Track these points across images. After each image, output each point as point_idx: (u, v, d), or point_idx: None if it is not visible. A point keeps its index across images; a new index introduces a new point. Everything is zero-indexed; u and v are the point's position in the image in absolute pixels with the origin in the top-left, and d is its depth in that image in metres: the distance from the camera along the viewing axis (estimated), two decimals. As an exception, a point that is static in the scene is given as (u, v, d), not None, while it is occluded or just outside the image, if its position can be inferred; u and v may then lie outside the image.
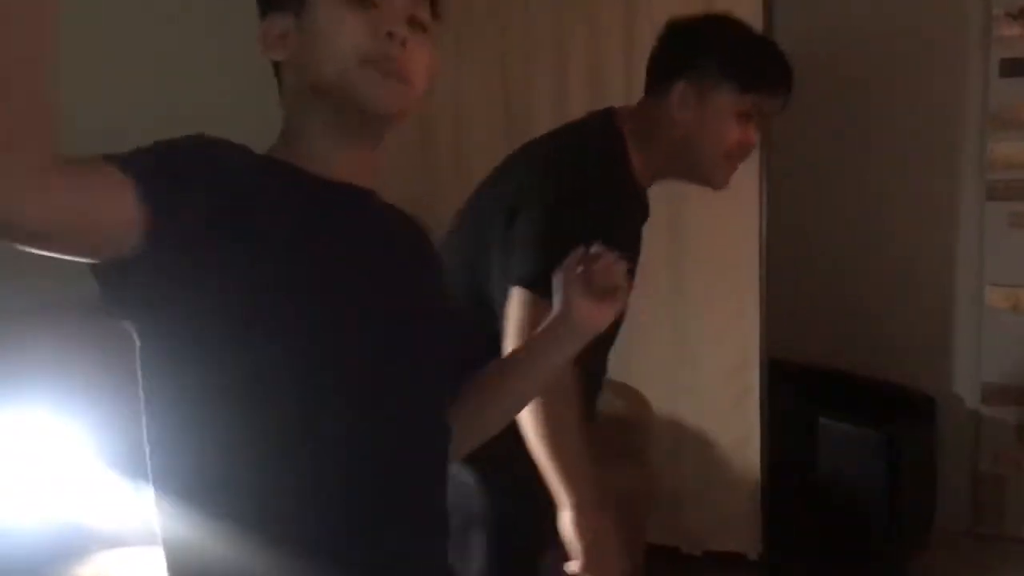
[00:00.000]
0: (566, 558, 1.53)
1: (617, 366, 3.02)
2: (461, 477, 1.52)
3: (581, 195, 1.51)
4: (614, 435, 2.92)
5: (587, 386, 1.61)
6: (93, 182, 0.87)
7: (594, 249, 1.24)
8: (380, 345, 1.09)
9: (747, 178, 2.88)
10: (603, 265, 1.25)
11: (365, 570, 1.07)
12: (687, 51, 1.59)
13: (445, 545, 1.19)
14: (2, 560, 2.16)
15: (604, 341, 1.52)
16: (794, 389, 3.34)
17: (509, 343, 1.48)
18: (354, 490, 1.05)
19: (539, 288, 1.39)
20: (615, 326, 1.48)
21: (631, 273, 1.36)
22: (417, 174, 3.29)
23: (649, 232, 2.96)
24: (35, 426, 2.23)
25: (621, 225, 1.58)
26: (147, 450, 1.07)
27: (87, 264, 0.92)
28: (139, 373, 1.03)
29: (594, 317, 1.26)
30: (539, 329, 1.29)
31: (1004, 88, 3.42)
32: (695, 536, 3.16)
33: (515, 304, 1.50)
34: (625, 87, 3.01)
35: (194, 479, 1.03)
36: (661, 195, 2.93)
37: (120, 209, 0.88)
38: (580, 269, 1.24)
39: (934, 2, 3.60)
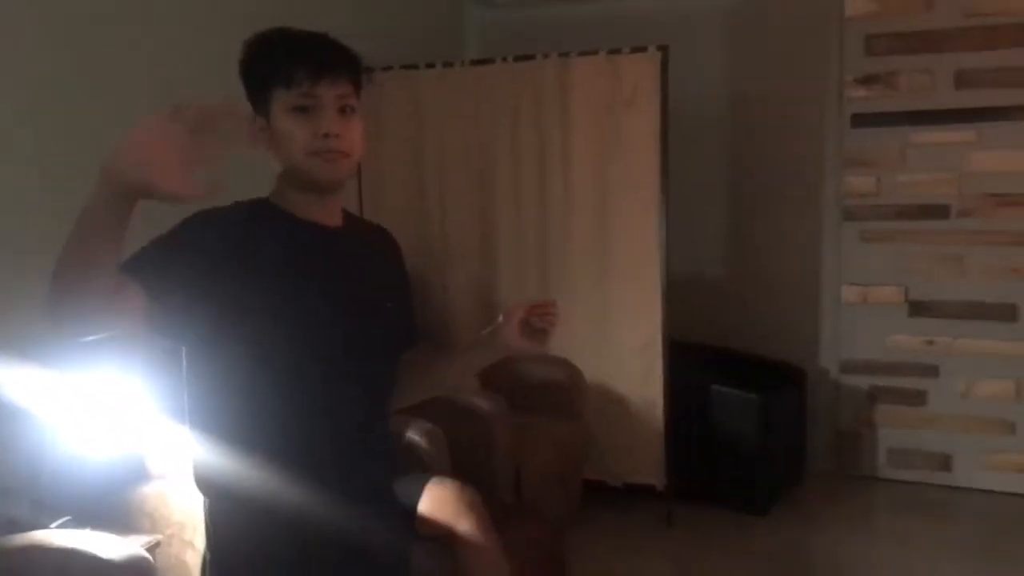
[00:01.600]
0: None
1: (558, 345, 3.50)
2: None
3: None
4: (558, 398, 3.61)
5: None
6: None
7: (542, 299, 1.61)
8: (338, 334, 1.53)
9: (650, 201, 3.46)
10: (542, 312, 1.61)
11: (334, 474, 1.55)
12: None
13: (386, 465, 1.69)
14: (85, 481, 2.37)
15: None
16: (693, 363, 3.90)
17: None
18: (323, 420, 1.54)
19: None
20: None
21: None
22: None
23: (583, 253, 3.58)
24: (109, 383, 2.38)
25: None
26: (188, 404, 1.57)
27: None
28: (184, 359, 1.53)
29: (520, 346, 1.65)
30: (481, 333, 1.72)
31: (855, 136, 4.12)
32: (617, 472, 3.70)
33: None
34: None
35: (222, 419, 1.54)
36: (595, 226, 3.61)
37: (136, 306, 1.29)
38: (526, 310, 1.61)
39: (801, 71, 4.23)
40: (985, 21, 3.87)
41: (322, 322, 1.53)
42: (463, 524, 1.91)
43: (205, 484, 1.63)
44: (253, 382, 1.50)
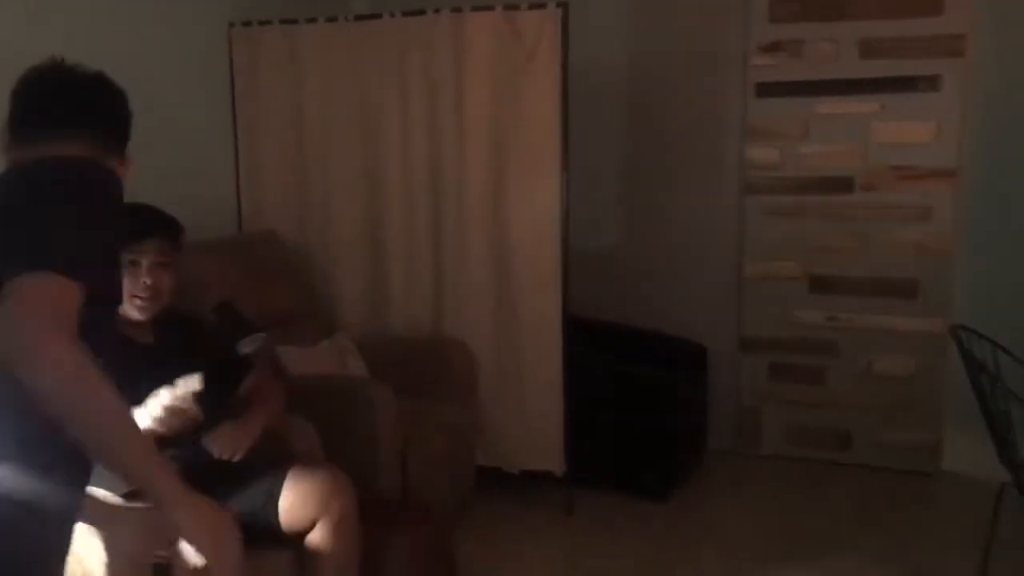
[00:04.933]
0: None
1: (452, 325, 3.53)
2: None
3: None
4: (447, 379, 3.43)
5: None
6: None
7: None
8: None
9: (550, 177, 3.30)
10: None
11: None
12: None
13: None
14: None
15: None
16: (592, 341, 3.78)
17: None
18: None
19: None
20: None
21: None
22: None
23: (478, 218, 3.42)
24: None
25: None
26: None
27: None
28: None
29: None
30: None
31: (759, 106, 4.03)
32: (514, 459, 3.53)
33: None
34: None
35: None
36: (487, 189, 3.43)
37: None
38: None
39: (705, 36, 4.11)
40: (891, -11, 3.80)
41: None
42: (328, 517, 2.09)
43: None
44: None
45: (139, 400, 1.96)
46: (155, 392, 1.98)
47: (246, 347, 2.43)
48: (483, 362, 3.54)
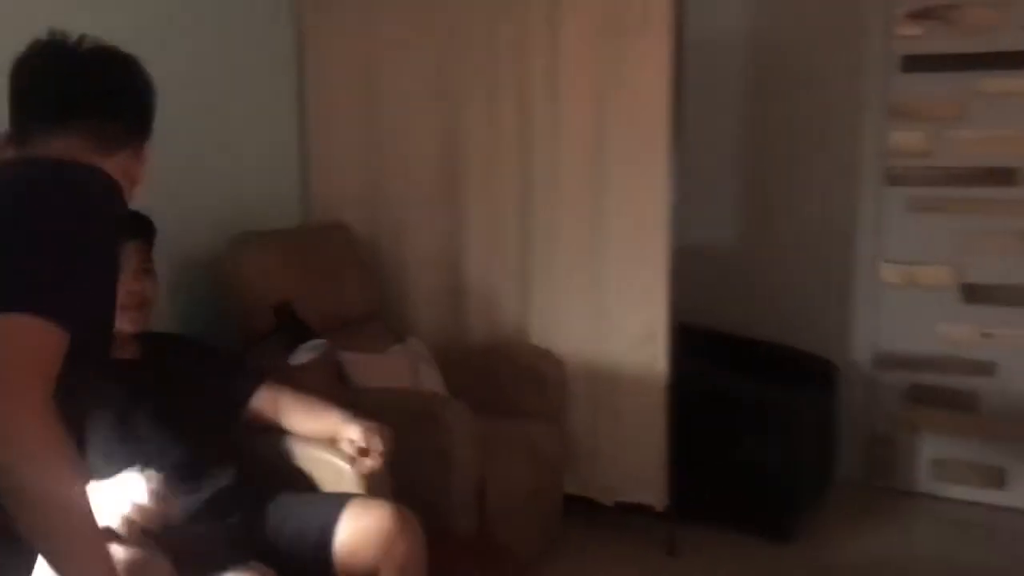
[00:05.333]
0: None
1: (540, 332, 3.19)
2: None
3: None
4: (534, 395, 3.11)
5: None
6: None
7: None
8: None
9: (657, 164, 2.93)
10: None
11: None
12: None
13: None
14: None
15: None
16: (703, 355, 3.39)
17: None
18: None
19: None
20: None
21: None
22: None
23: (573, 212, 3.09)
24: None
25: None
26: None
27: None
28: None
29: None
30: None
31: (904, 83, 3.55)
32: (607, 488, 3.18)
33: None
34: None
35: None
36: (584, 178, 3.09)
37: None
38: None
39: (839, 4, 3.66)
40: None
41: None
42: (391, 562, 1.89)
43: None
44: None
45: (117, 420, 1.90)
46: (126, 470, 1.76)
47: (303, 355, 2.36)
48: (575, 376, 3.18)
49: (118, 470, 1.79)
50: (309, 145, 3.41)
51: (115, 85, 1.33)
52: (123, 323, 1.96)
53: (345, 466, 2.15)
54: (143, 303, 2.03)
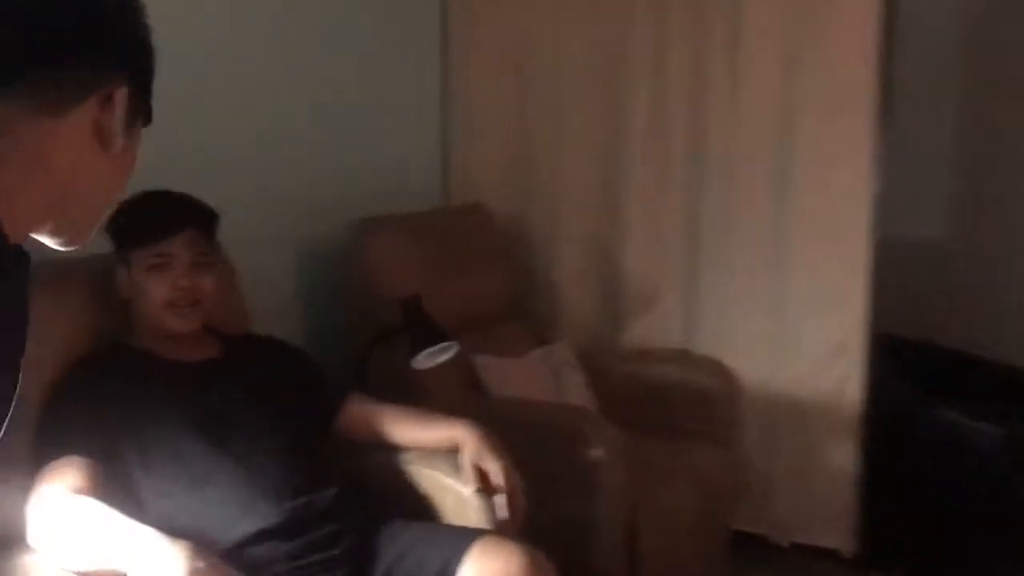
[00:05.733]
0: None
1: (707, 340, 2.90)
2: None
3: None
4: (700, 413, 2.83)
5: None
6: None
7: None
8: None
9: (858, 149, 2.66)
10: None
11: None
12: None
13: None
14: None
15: None
16: (904, 371, 3.08)
17: None
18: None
19: None
20: None
21: None
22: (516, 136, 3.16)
23: (751, 199, 2.80)
24: None
25: None
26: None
27: None
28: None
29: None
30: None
31: None
32: (784, 526, 2.92)
33: None
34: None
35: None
36: (767, 159, 2.78)
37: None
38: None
39: None
40: None
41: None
42: None
43: None
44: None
45: (183, 433, 1.74)
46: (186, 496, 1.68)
47: (431, 358, 2.20)
48: (749, 392, 2.88)
49: (176, 501, 1.64)
50: (450, 121, 3.20)
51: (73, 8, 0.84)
52: (174, 322, 1.80)
53: (468, 492, 1.88)
54: (196, 301, 1.83)
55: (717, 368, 2.85)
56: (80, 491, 1.55)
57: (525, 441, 2.20)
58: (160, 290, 1.77)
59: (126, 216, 1.72)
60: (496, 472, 1.83)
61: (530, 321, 3.06)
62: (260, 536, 1.65)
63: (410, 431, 1.96)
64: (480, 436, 1.86)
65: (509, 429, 2.17)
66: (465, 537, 1.77)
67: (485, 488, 1.84)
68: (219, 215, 1.85)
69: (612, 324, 3.10)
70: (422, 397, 2.21)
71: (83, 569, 1.47)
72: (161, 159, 2.20)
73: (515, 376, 2.59)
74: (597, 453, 2.27)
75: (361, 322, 2.50)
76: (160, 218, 1.79)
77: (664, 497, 2.52)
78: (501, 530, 1.84)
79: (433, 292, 2.40)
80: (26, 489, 1.61)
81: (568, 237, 3.13)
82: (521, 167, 3.14)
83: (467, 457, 1.84)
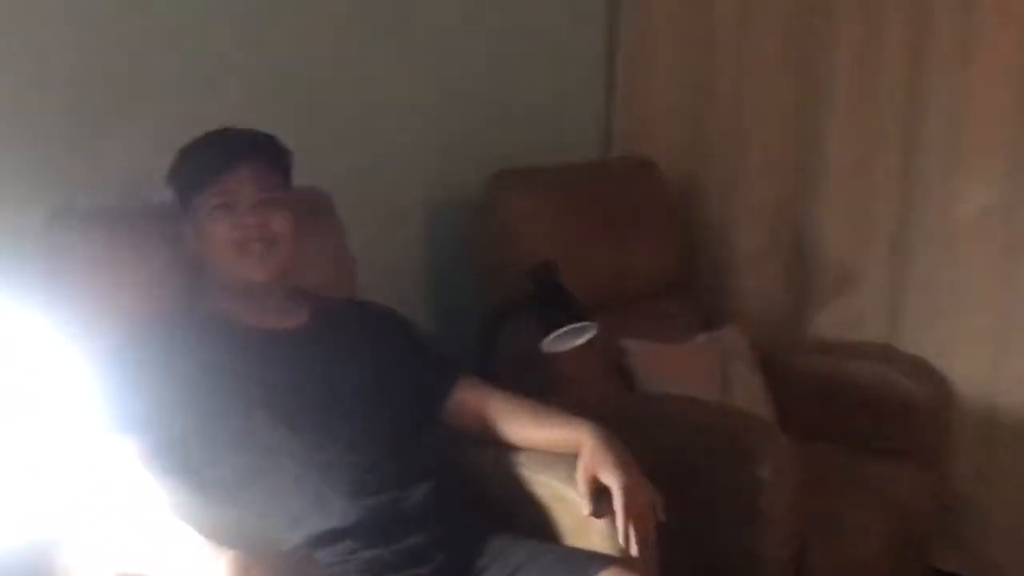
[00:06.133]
0: None
1: (915, 339, 2.51)
2: None
3: None
4: (899, 425, 2.44)
5: None
6: None
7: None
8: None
9: None
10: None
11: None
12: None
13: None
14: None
15: None
16: None
17: None
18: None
19: None
20: None
21: None
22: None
23: (975, 181, 2.51)
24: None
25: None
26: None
27: None
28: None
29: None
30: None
31: None
32: (997, 569, 2.52)
33: None
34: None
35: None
36: (1002, 127, 2.34)
37: None
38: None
39: None
40: None
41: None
42: None
43: None
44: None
45: (259, 407, 1.55)
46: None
47: (565, 340, 1.93)
48: (965, 405, 2.51)
49: (236, 490, 1.47)
50: (617, 63, 2.91)
51: None
52: (246, 268, 1.62)
53: (584, 512, 1.59)
54: (268, 240, 1.64)
55: (924, 370, 2.46)
56: (134, 477, 1.42)
57: (676, 450, 1.94)
58: (224, 230, 1.61)
59: (184, 158, 1.64)
60: (616, 490, 1.51)
61: (695, 301, 2.74)
62: (329, 536, 1.44)
63: (523, 427, 1.68)
64: (600, 442, 1.55)
65: (657, 433, 1.89)
66: (585, 565, 1.48)
67: (602, 509, 1.53)
68: (289, 150, 1.67)
69: (796, 309, 2.76)
70: (553, 387, 1.94)
71: (126, 571, 1.38)
72: (287, 91, 2.07)
73: (671, 367, 2.28)
74: (764, 472, 1.92)
75: (490, 293, 2.26)
76: (217, 153, 1.64)
77: (845, 524, 2.15)
78: (631, 560, 1.52)
79: (577, 260, 2.14)
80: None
81: (746, 205, 2.78)
82: (695, 123, 2.82)
83: (581, 468, 1.54)
